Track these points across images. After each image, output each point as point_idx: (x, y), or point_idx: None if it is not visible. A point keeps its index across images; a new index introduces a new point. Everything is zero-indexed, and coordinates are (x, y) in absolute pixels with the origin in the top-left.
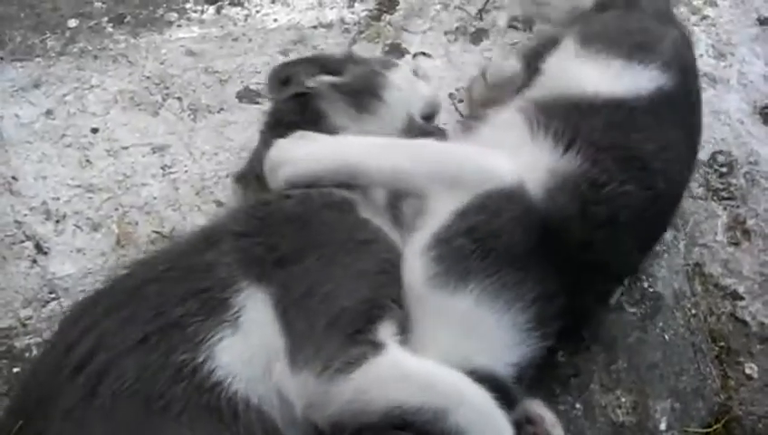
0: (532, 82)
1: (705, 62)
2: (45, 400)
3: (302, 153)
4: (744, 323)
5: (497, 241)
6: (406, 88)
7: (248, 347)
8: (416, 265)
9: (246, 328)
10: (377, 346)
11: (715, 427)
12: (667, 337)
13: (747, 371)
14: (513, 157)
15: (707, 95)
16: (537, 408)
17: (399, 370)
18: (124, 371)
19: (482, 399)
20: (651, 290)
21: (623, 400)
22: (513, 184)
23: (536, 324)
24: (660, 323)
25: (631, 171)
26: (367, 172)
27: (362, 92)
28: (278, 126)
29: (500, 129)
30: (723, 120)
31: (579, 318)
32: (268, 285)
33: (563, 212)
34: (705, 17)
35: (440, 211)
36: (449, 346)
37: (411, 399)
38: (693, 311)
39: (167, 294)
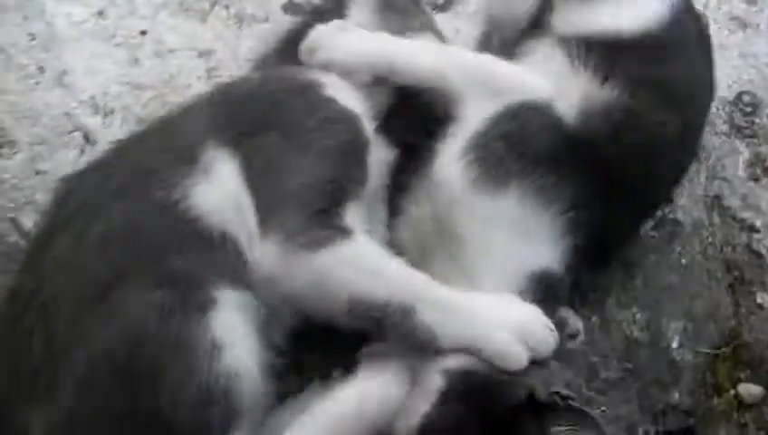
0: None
1: (736, 6)
2: (38, 256)
3: (341, 41)
4: (759, 254)
5: (530, 147)
6: None
7: (221, 194)
8: (453, 170)
9: (218, 181)
10: (344, 231)
11: (723, 350)
12: (683, 261)
13: (759, 300)
14: (551, 82)
15: (737, 38)
16: (564, 313)
17: (366, 259)
18: (110, 214)
19: (447, 297)
20: (671, 217)
21: (638, 317)
22: (545, 98)
23: (575, 228)
24: (678, 248)
25: (666, 101)
26: (404, 69)
27: None
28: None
29: (540, 62)
30: (750, 63)
31: (611, 241)
32: (235, 152)
33: (596, 134)
34: None
35: (473, 118)
36: (504, 251)
37: (377, 292)
38: (710, 239)
39: (145, 150)
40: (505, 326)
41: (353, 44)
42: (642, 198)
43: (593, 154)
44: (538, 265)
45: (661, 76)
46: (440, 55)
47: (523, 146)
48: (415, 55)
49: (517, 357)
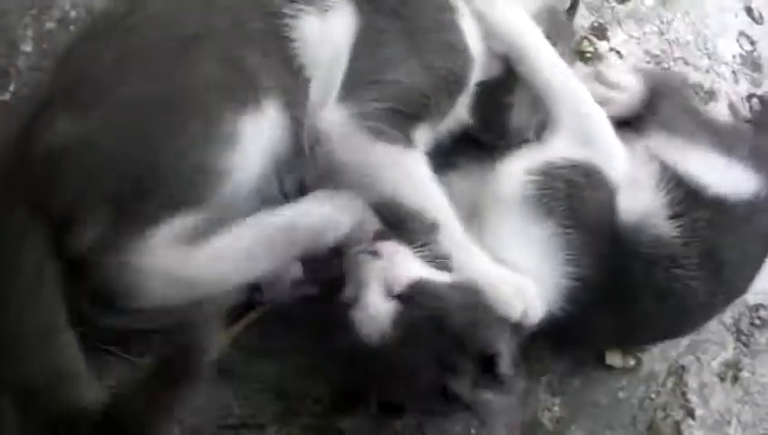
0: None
1: None
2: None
3: (503, 3)
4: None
5: (581, 208)
6: None
7: (326, 37)
8: (517, 178)
9: (331, 25)
10: (410, 141)
11: None
12: (620, 395)
13: None
14: (633, 180)
15: None
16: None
17: (417, 172)
18: None
19: (465, 239)
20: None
21: (555, 409)
22: (615, 183)
23: (567, 295)
24: (623, 382)
25: (708, 270)
26: (531, 70)
27: None
28: None
29: (637, 159)
30: None
31: (584, 332)
32: (359, 14)
33: (636, 250)
34: None
35: (556, 149)
36: (516, 258)
37: (415, 201)
38: (653, 396)
39: None
40: (511, 281)
41: (512, 15)
42: (631, 327)
43: (623, 260)
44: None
45: (718, 246)
46: (568, 83)
47: (577, 203)
48: (549, 67)
49: (515, 308)
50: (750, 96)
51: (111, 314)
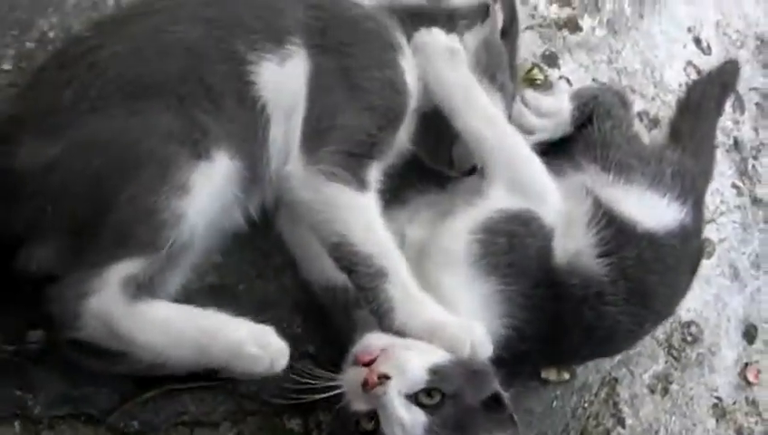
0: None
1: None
2: (115, 24)
3: (443, 56)
4: None
5: (524, 256)
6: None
7: (283, 82)
8: (463, 238)
9: (288, 72)
10: (362, 182)
11: None
12: (554, 404)
13: None
14: (565, 218)
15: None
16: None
17: (369, 215)
18: (191, 31)
19: (414, 288)
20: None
21: None
22: (551, 226)
23: (513, 335)
24: (558, 391)
25: (636, 305)
26: (459, 122)
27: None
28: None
29: (568, 195)
30: (719, 308)
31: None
32: (311, 60)
33: (568, 287)
34: None
35: (495, 203)
36: (462, 310)
37: (366, 244)
38: (585, 405)
39: (248, 5)
40: (458, 323)
41: (448, 69)
42: (563, 353)
43: (557, 296)
44: None
45: (646, 282)
46: (498, 136)
47: (518, 254)
48: (479, 122)
49: (464, 347)
50: None
51: (89, 357)
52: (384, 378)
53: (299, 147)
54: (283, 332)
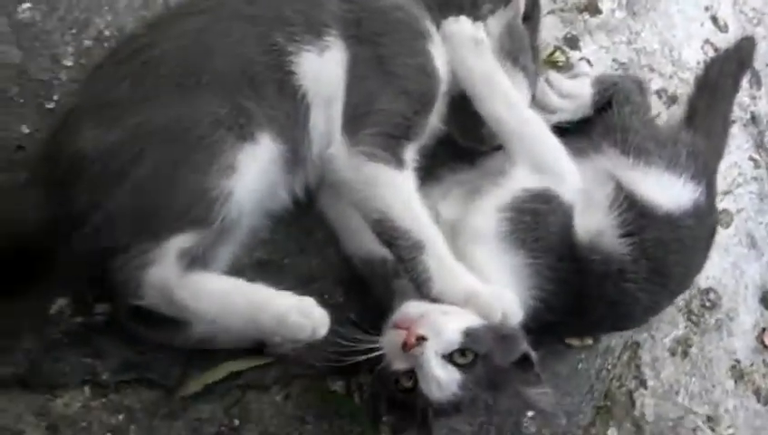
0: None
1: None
2: (168, 22)
3: (468, 44)
4: (633, 403)
5: (548, 232)
6: None
7: (322, 71)
8: (492, 217)
9: (326, 61)
10: (400, 161)
11: None
12: (579, 366)
13: (608, 433)
14: (588, 205)
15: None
16: None
17: (406, 192)
18: (234, 29)
19: (450, 258)
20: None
21: None
22: (570, 207)
23: (537, 306)
24: (582, 355)
25: (655, 283)
26: (483, 109)
27: None
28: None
29: (591, 177)
30: (737, 274)
31: (558, 329)
32: (348, 50)
33: (590, 264)
34: None
35: (518, 183)
36: (484, 270)
37: (404, 220)
38: (608, 367)
39: (285, 4)
40: (490, 291)
41: (472, 58)
42: (586, 326)
43: (581, 270)
44: None
45: (666, 261)
46: (520, 121)
47: (543, 230)
48: (501, 109)
49: (495, 313)
50: None
51: (147, 329)
52: (421, 339)
53: (340, 131)
54: (326, 302)
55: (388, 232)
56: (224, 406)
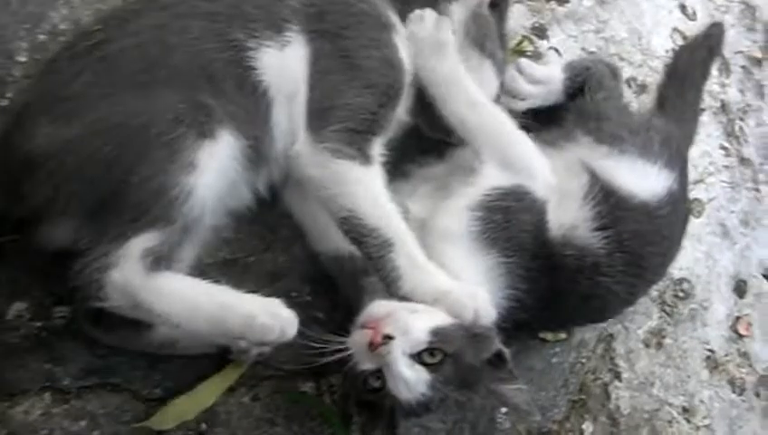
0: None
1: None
2: (125, 17)
3: (431, 41)
4: (608, 396)
5: (520, 230)
6: None
7: (283, 67)
8: (463, 216)
9: (288, 56)
10: (366, 157)
11: None
12: (553, 360)
13: (583, 426)
14: (561, 199)
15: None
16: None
17: (374, 188)
18: (192, 26)
19: (421, 256)
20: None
21: None
22: (543, 199)
23: (515, 302)
24: (557, 349)
25: (631, 275)
26: (445, 110)
27: None
28: None
29: (563, 170)
30: (709, 264)
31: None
32: (310, 44)
33: (563, 257)
34: None
35: (488, 181)
36: (456, 272)
37: (372, 217)
38: (583, 360)
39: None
40: (463, 290)
41: (434, 60)
42: (559, 321)
43: (555, 266)
44: None
45: (642, 253)
46: (484, 119)
47: (515, 228)
48: (464, 108)
49: (468, 312)
50: None
51: (107, 334)
52: (388, 338)
53: (305, 127)
54: (293, 301)
55: (356, 230)
56: None
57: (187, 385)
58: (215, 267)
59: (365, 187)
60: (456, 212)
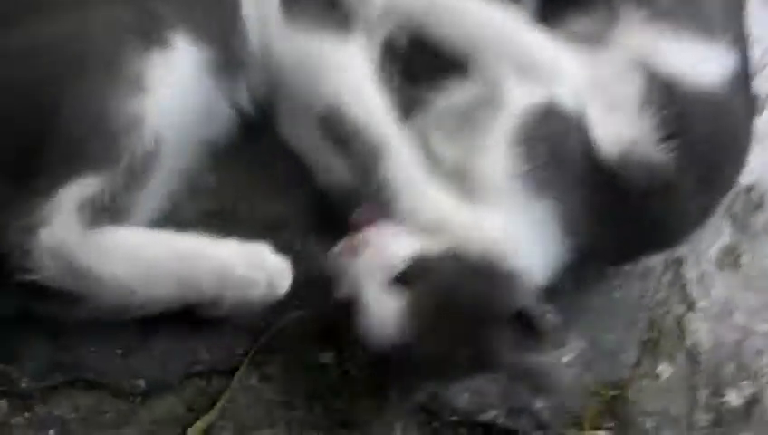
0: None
1: None
2: None
3: None
4: (683, 329)
5: (569, 160)
6: None
7: None
8: (501, 159)
9: None
10: (345, 25)
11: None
12: (616, 295)
13: (658, 369)
14: (611, 109)
15: None
16: None
17: (354, 70)
18: None
19: (417, 170)
20: None
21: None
22: (579, 114)
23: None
24: (618, 282)
25: (706, 188)
26: (442, 31)
27: None
28: None
29: (610, 76)
30: None
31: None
32: None
33: (624, 180)
34: None
35: (515, 102)
36: (510, 234)
37: (355, 110)
38: (650, 293)
39: None
40: (466, 218)
41: None
42: (627, 251)
43: (615, 194)
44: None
45: (715, 164)
46: (487, 29)
47: (560, 152)
48: (452, 27)
49: (476, 245)
50: None
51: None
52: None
53: (277, 9)
54: (297, 254)
55: (338, 127)
56: (184, 399)
57: (176, 373)
58: (195, 223)
59: (346, 67)
60: (492, 155)
